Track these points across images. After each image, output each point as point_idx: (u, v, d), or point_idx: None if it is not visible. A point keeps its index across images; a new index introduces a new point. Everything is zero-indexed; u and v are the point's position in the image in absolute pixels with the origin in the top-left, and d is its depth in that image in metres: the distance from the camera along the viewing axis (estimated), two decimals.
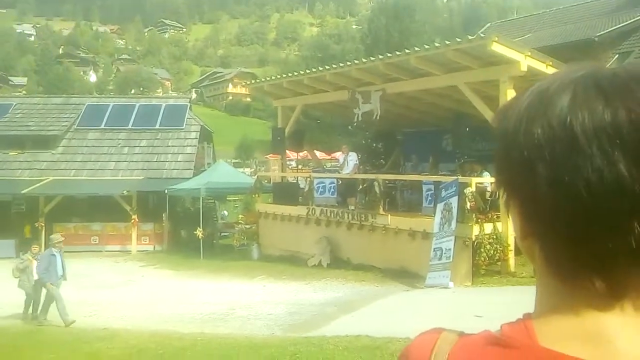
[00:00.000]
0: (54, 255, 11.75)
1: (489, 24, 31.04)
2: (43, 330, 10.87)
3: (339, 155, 28.83)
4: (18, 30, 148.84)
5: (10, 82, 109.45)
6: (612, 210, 0.59)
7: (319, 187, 16.63)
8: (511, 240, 12.19)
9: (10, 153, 24.20)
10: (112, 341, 9.48)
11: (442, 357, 0.68)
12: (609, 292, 0.61)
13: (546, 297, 0.67)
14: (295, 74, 18.13)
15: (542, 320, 0.65)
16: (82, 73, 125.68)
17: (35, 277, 11.86)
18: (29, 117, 25.90)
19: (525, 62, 12.01)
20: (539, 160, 0.62)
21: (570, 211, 0.60)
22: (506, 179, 0.67)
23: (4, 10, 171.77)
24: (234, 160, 50.93)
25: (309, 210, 16.55)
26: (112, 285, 15.25)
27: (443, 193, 12.70)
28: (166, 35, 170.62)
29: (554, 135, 0.61)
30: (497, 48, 11.78)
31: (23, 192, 21.22)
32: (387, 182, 15.43)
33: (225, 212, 27.57)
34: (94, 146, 24.83)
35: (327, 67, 16.63)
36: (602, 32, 19.18)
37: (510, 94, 12.26)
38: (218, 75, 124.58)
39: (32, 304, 11.94)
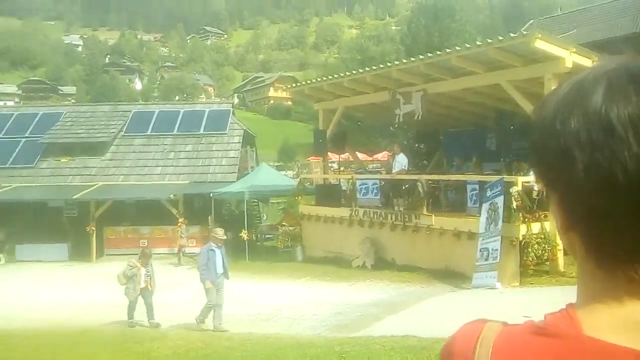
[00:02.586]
0: (213, 250, 10.90)
1: (531, 21, 30.45)
2: (97, 329, 11.22)
3: (382, 156, 28.80)
4: (66, 41, 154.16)
5: (60, 92, 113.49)
6: None
7: (361, 188, 16.65)
8: (560, 239, 11.94)
9: (62, 160, 25.05)
10: (162, 341, 9.73)
11: (488, 345, 0.69)
12: None
13: (589, 287, 0.68)
14: (336, 76, 18.21)
15: (585, 310, 0.66)
16: (127, 81, 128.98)
17: (142, 285, 11.30)
18: (79, 125, 26.71)
19: (570, 58, 11.76)
20: (575, 146, 0.63)
21: (608, 198, 0.61)
22: (544, 169, 0.68)
23: (53, 23, 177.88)
24: (276, 163, 51.31)
25: (352, 212, 16.58)
26: (161, 287, 15.56)
27: (488, 192, 12.56)
28: (208, 42, 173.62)
29: (589, 122, 0.63)
30: (541, 45, 11.59)
31: (74, 197, 21.93)
32: (430, 182, 15.35)
33: (265, 216, 27.77)
34: (141, 152, 25.46)
35: (367, 68, 16.65)
36: None
37: None
38: (259, 79, 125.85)
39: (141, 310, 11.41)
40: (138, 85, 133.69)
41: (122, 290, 12.35)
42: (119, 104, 31.76)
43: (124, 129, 26.45)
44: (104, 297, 13.84)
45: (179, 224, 21.22)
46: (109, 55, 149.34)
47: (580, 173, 0.62)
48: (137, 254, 21.29)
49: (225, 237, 11.30)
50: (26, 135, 26.00)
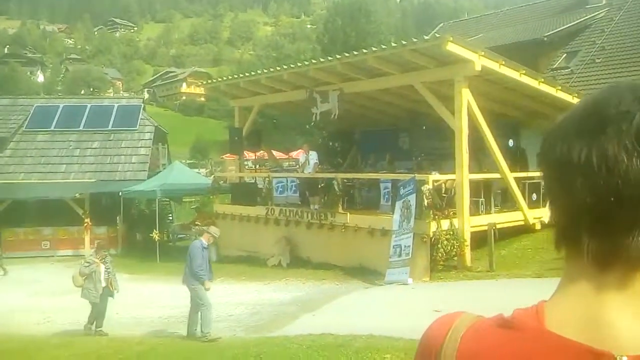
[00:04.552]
0: (207, 248, 9.86)
1: (441, 24, 31.56)
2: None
3: (297, 154, 28.96)
4: None
5: None
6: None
7: (278, 186, 16.58)
8: (467, 236, 12.44)
9: None
10: (69, 348, 9.22)
11: (456, 337, 0.73)
12: (612, 272, 0.64)
13: (561, 283, 0.71)
14: (252, 73, 18.01)
15: (553, 304, 0.69)
16: (29, 73, 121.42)
17: (103, 284, 10.00)
18: None
19: (479, 61, 12.25)
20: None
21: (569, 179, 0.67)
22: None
23: None
24: (189, 161, 50.20)
25: (267, 210, 16.48)
26: (65, 291, 14.70)
27: (401, 191, 12.86)
28: (117, 34, 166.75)
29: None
30: (452, 48, 11.99)
31: None
32: (345, 180, 15.51)
33: (171, 217, 26.67)
34: (43, 148, 24.06)
35: (284, 66, 16.59)
36: (550, 32, 19.78)
37: (465, 93, 12.52)
38: (171, 74, 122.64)
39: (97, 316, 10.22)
40: (40, 77, 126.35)
41: (23, 295, 11.66)
42: (20, 98, 29.91)
43: (25, 124, 24.90)
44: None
45: (85, 225, 20.24)
46: (8, 46, 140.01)
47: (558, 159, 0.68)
48: (39, 257, 20.22)
49: (218, 234, 10.41)
50: None
